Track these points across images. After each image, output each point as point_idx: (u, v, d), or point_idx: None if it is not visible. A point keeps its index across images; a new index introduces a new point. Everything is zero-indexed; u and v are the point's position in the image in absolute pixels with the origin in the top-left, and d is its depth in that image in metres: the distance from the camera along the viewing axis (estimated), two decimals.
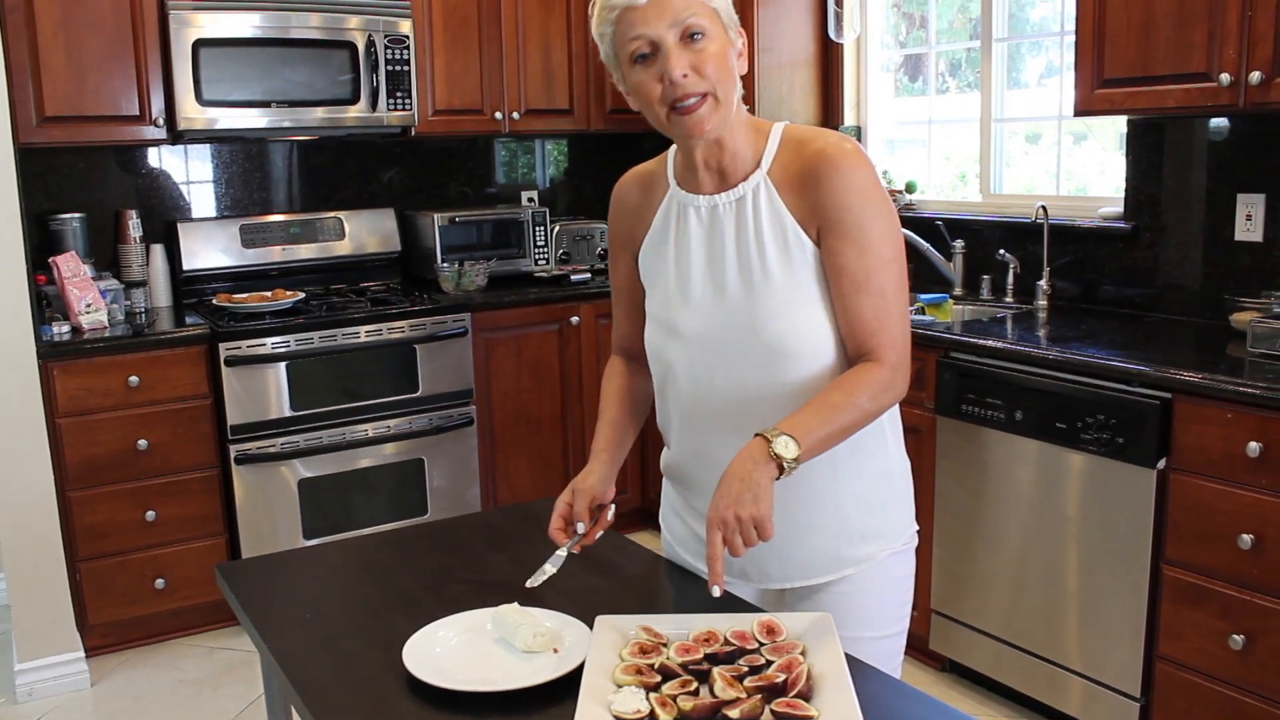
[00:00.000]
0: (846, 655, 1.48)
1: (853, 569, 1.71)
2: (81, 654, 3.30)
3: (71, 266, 3.39)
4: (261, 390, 3.52)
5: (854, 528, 1.69)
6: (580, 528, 1.69)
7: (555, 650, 1.55)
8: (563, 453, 4.24)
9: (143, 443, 3.36)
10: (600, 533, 1.74)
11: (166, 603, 3.50)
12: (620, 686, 1.41)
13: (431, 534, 2.10)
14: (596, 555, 1.83)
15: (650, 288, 1.75)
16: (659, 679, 1.43)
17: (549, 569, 1.69)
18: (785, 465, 1.48)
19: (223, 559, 3.55)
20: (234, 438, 3.49)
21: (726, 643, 1.52)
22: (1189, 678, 2.54)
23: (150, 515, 3.41)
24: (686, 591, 1.80)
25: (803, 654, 1.48)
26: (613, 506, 1.77)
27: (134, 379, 3.32)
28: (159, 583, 3.46)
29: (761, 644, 1.52)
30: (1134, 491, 2.57)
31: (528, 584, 1.67)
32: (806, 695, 1.38)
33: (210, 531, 3.54)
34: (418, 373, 3.81)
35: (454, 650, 1.57)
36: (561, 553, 1.69)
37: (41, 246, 3.60)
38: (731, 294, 1.63)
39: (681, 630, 1.56)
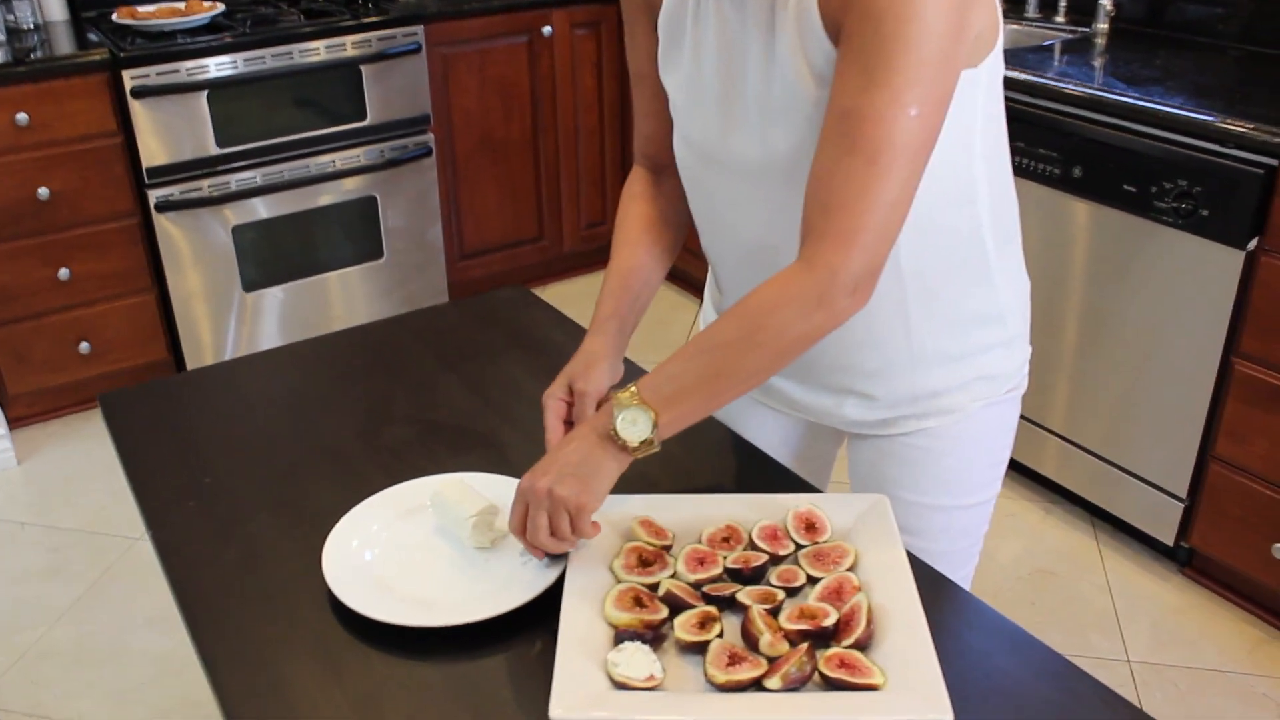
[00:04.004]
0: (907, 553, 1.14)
1: (934, 421, 1.33)
2: (4, 428, 2.97)
3: None
4: (180, 125, 3.00)
5: (939, 377, 1.30)
6: None
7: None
8: (534, 181, 3.78)
9: (44, 191, 2.88)
10: None
11: (94, 367, 3.13)
12: (616, 628, 1.06)
13: (371, 342, 1.71)
14: None
15: (665, 76, 1.27)
16: (665, 613, 1.08)
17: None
18: (630, 450, 1.09)
19: (153, 317, 3.16)
20: (152, 182, 3.01)
21: (752, 546, 1.17)
22: (1245, 482, 2.25)
23: (64, 273, 2.98)
24: (706, 437, 1.43)
25: (853, 568, 1.13)
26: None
27: (22, 116, 2.79)
28: (83, 346, 3.08)
29: (800, 546, 1.17)
30: (1214, 273, 2.17)
31: (476, 545, 1.20)
32: (864, 643, 1.04)
33: (136, 288, 3.12)
34: (365, 98, 3.28)
35: (387, 551, 1.21)
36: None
37: None
38: (750, 111, 1.16)
39: (692, 519, 1.21)
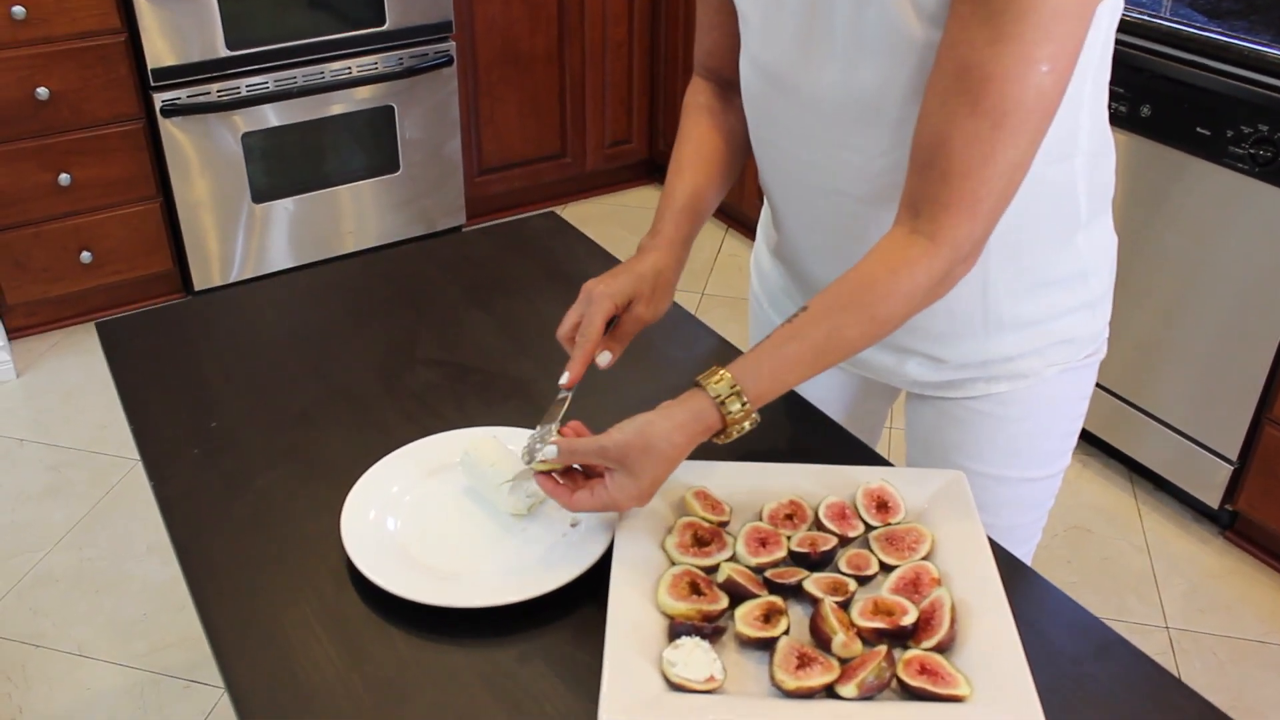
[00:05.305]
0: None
1: (1005, 385, 1.22)
2: (2, 339, 2.85)
3: None
4: (189, 24, 2.84)
5: (1014, 341, 1.19)
6: (605, 358, 1.14)
7: (574, 524, 1.08)
8: (559, 95, 3.61)
9: (43, 91, 2.73)
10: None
11: (95, 278, 3.01)
12: (672, 619, 0.95)
13: (393, 271, 1.59)
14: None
15: None
16: (725, 603, 0.97)
17: (538, 455, 1.03)
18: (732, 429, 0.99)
19: (158, 226, 3.03)
20: (158, 84, 2.85)
21: (818, 525, 1.06)
22: None
23: (64, 179, 2.84)
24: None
25: (929, 555, 1.02)
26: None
27: (18, 10, 2.63)
28: (85, 256, 2.95)
29: (870, 527, 1.06)
30: None
31: (511, 511, 1.09)
32: (946, 645, 0.93)
33: (140, 195, 2.98)
34: (384, 2, 3.10)
35: (412, 515, 1.10)
36: (552, 432, 1.05)
37: None
38: (835, 39, 1.02)
39: (751, 491, 1.09)
